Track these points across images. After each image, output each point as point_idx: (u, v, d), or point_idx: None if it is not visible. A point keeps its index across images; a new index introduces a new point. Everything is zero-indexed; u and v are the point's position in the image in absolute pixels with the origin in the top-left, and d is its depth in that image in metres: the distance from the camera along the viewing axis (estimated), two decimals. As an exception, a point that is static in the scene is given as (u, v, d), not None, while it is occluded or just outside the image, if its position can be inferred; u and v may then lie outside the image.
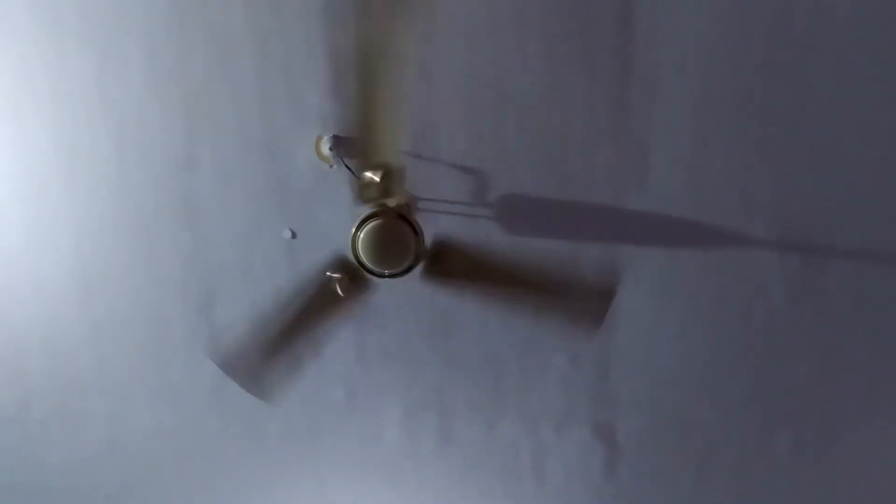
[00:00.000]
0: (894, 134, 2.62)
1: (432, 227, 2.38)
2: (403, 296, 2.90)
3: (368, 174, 2.17)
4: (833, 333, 2.95)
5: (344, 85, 2.03)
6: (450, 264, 2.30)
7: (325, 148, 2.70)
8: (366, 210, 2.26)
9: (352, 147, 2.26)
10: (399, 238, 2.22)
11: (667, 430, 3.23)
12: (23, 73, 2.67)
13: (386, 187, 2.19)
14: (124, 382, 3.23)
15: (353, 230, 2.23)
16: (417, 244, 2.25)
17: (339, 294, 2.29)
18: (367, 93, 2.00)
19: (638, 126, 2.66)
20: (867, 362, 3.00)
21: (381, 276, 2.28)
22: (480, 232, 2.81)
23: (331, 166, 2.74)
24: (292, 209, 2.83)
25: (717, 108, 2.62)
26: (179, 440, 3.37)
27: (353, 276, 2.29)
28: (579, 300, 2.39)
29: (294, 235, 2.87)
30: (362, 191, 2.20)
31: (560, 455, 3.32)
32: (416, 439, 3.31)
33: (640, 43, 2.54)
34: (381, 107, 2.02)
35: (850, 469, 3.25)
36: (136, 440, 3.39)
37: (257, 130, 2.71)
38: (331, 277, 2.29)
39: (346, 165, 2.68)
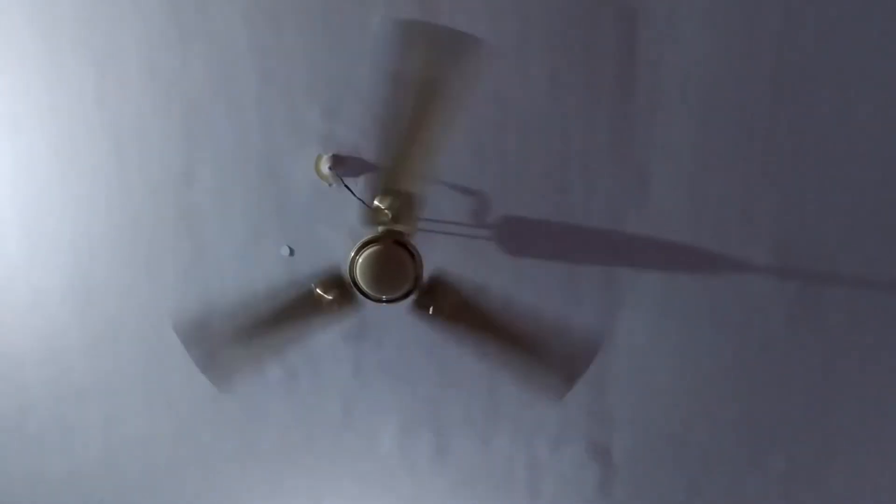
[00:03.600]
0: (895, 162, 2.62)
1: (432, 250, 2.38)
2: (400, 313, 2.88)
3: (379, 202, 2.18)
4: (830, 358, 2.95)
5: (388, 112, 2.03)
6: (440, 302, 2.30)
7: (325, 167, 2.69)
8: (364, 234, 2.25)
9: (375, 175, 2.28)
10: (397, 265, 2.22)
11: (661, 450, 3.24)
12: (22, 86, 2.67)
13: (396, 215, 2.19)
14: (121, 392, 3.23)
15: (352, 254, 2.23)
16: (416, 270, 2.24)
17: (321, 304, 2.29)
18: (411, 125, 2.02)
19: (639, 149, 2.65)
20: (862, 388, 3.00)
21: (379, 301, 2.28)
22: (480, 254, 2.80)
23: (330, 185, 2.73)
24: (291, 226, 2.82)
25: (718, 133, 2.61)
26: (175, 451, 3.38)
27: (342, 294, 2.29)
28: (555, 362, 2.42)
29: (292, 252, 2.86)
30: (372, 216, 2.20)
31: (555, 472, 3.32)
32: (412, 454, 3.31)
33: (642, 66, 2.53)
34: (420, 140, 2.04)
35: (844, 493, 3.26)
36: (132, 450, 3.39)
37: (257, 148, 2.70)
38: (314, 289, 2.29)
39: (346, 185, 2.68)
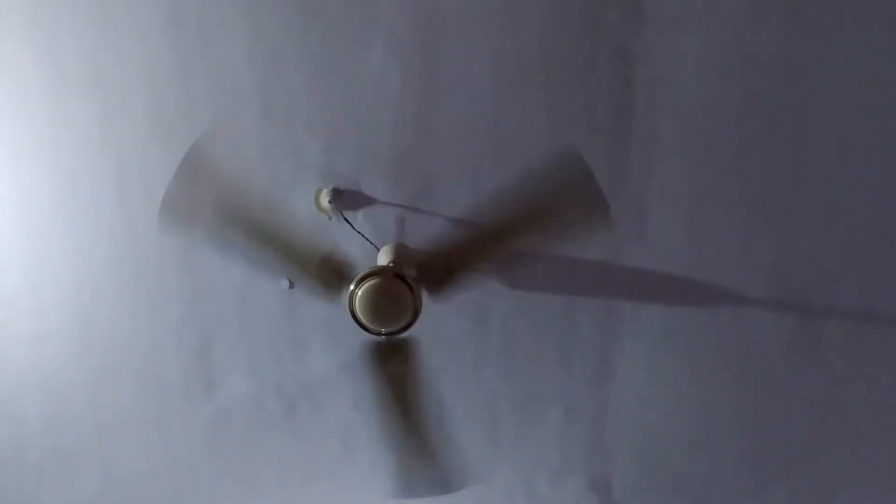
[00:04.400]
0: (892, 195, 2.63)
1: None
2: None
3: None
4: (828, 392, 2.94)
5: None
6: (440, 271, 2.29)
7: (325, 200, 2.72)
8: (363, 268, 2.26)
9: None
10: (396, 298, 2.22)
11: (662, 484, 3.21)
12: (25, 119, 2.70)
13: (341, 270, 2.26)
14: (120, 426, 3.22)
15: (351, 288, 2.23)
16: (414, 303, 2.25)
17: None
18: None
19: (637, 183, 2.67)
20: (862, 421, 2.99)
21: (378, 334, 2.28)
22: (479, 287, 2.81)
23: (330, 218, 2.75)
24: (291, 260, 2.84)
25: (716, 168, 2.64)
26: (174, 486, 3.35)
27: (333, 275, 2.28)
28: (569, 208, 2.24)
29: (292, 285, 2.87)
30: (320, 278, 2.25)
31: (555, 506, 3.30)
32: (411, 488, 3.28)
33: (640, 101, 2.57)
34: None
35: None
36: (130, 483, 3.37)
37: (258, 181, 2.72)
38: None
39: (346, 219, 2.70)
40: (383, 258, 2.55)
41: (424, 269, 2.30)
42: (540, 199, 2.21)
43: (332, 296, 2.27)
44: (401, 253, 2.56)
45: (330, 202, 2.71)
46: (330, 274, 2.26)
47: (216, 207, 2.20)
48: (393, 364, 2.35)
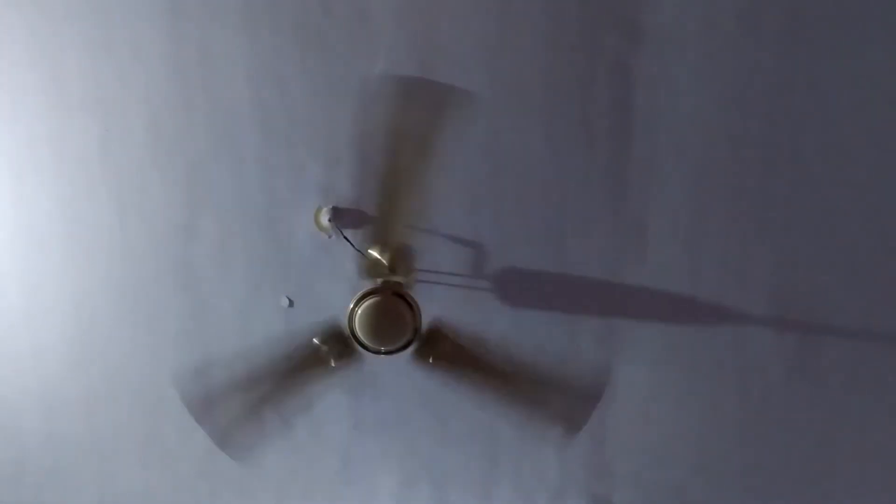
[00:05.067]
0: (890, 214, 2.64)
1: (431, 301, 2.38)
2: (399, 366, 2.86)
3: (376, 253, 2.19)
4: (828, 411, 2.93)
5: (371, 166, 2.09)
6: (440, 351, 2.30)
7: (325, 219, 2.72)
8: (363, 286, 2.26)
9: (369, 226, 2.31)
10: (396, 316, 2.22)
11: (662, 503, 3.19)
12: (26, 139, 2.71)
13: (393, 265, 2.21)
14: (118, 447, 3.21)
15: (351, 306, 2.23)
16: (414, 322, 2.24)
17: (327, 361, 2.28)
18: (395, 178, 2.07)
19: (636, 203, 2.68)
20: (862, 440, 2.98)
21: (378, 352, 2.28)
22: (479, 305, 2.81)
23: (330, 237, 2.76)
24: (291, 278, 2.84)
25: (715, 187, 2.64)
26: (172, 503, 3.33)
27: (342, 346, 2.28)
28: (563, 402, 2.41)
29: (291, 304, 2.87)
30: (369, 268, 2.22)
31: (556, 526, 3.27)
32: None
33: (639, 122, 2.58)
34: (404, 192, 2.09)
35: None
36: (128, 502, 3.34)
37: (258, 200, 2.73)
38: (318, 346, 2.28)
39: (345, 237, 2.70)
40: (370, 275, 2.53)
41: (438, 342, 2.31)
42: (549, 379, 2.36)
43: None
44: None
45: (330, 220, 2.71)
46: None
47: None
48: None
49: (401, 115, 2.04)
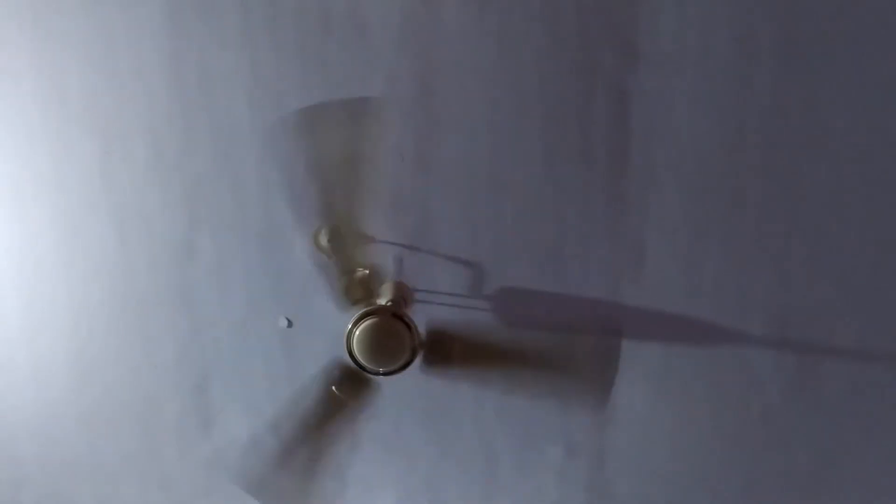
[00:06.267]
0: (890, 233, 2.64)
1: (429, 319, 2.39)
2: (397, 385, 2.86)
3: (350, 275, 2.21)
4: (828, 431, 2.92)
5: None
6: (447, 352, 2.29)
7: (324, 239, 2.72)
8: (360, 308, 2.26)
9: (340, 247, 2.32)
10: (394, 337, 2.22)
11: (663, 524, 3.18)
12: (26, 157, 2.72)
13: (370, 287, 2.22)
14: (117, 467, 3.20)
15: (349, 327, 2.23)
16: (412, 342, 2.24)
17: (344, 402, 2.29)
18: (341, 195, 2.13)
19: (634, 220, 2.68)
20: (862, 461, 2.96)
21: (377, 373, 2.28)
22: (477, 323, 2.81)
23: (329, 257, 2.75)
24: (289, 299, 2.84)
25: (711, 205, 2.65)
26: (169, 526, 3.32)
27: (356, 382, 2.29)
28: (580, 376, 2.37)
29: (290, 324, 2.87)
30: (348, 292, 2.22)
31: (555, 547, 3.25)
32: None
33: (637, 139, 2.58)
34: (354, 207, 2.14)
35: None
36: (125, 525, 3.34)
37: (257, 220, 2.74)
38: (335, 392, 2.30)
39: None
40: (381, 296, 2.55)
41: (438, 341, 2.31)
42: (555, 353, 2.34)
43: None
44: (399, 292, 2.56)
45: (329, 241, 2.71)
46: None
47: None
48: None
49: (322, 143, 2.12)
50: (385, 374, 2.27)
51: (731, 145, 2.57)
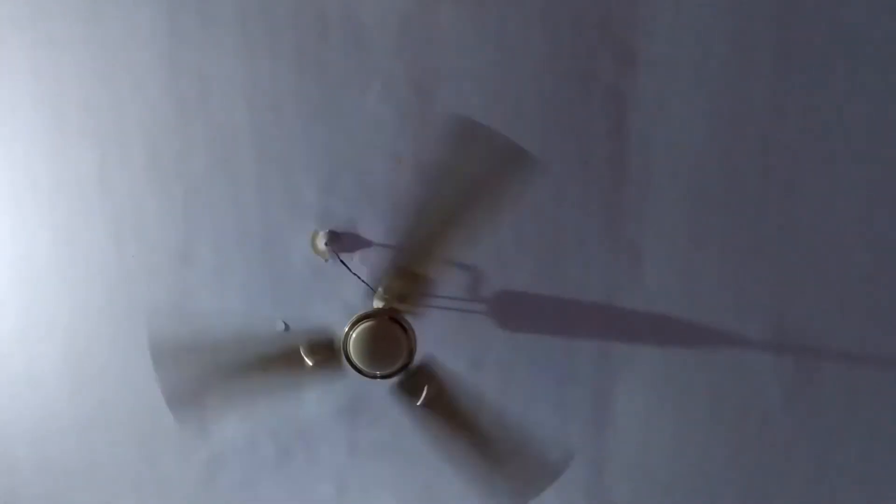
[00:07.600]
0: (888, 236, 2.64)
1: (427, 325, 2.38)
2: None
3: (391, 280, 2.23)
4: (827, 436, 2.91)
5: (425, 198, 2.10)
6: (418, 388, 2.30)
7: (321, 243, 2.73)
8: (359, 310, 2.26)
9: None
10: (390, 340, 2.22)
11: (662, 530, 3.17)
12: (24, 164, 2.72)
13: (405, 295, 2.24)
14: (114, 473, 3.18)
15: (346, 330, 2.23)
16: (409, 345, 2.24)
17: (304, 360, 2.27)
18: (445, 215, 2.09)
19: (631, 226, 2.68)
20: (861, 465, 2.95)
21: (373, 377, 2.27)
22: (475, 329, 2.81)
23: (326, 261, 2.76)
24: (287, 302, 2.84)
25: (709, 209, 2.65)
26: (167, 532, 3.31)
27: (326, 351, 2.26)
28: (520, 470, 2.44)
29: (287, 328, 2.87)
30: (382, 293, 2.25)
31: (553, 554, 3.24)
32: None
33: (634, 143, 2.59)
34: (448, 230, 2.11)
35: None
36: (122, 531, 3.32)
37: (254, 225, 2.74)
38: (301, 345, 2.27)
39: (342, 261, 2.71)
40: (379, 301, 2.54)
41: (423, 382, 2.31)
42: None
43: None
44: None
45: (326, 244, 2.72)
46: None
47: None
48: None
49: (458, 156, 2.03)
50: (382, 377, 2.27)
51: (728, 150, 2.58)
